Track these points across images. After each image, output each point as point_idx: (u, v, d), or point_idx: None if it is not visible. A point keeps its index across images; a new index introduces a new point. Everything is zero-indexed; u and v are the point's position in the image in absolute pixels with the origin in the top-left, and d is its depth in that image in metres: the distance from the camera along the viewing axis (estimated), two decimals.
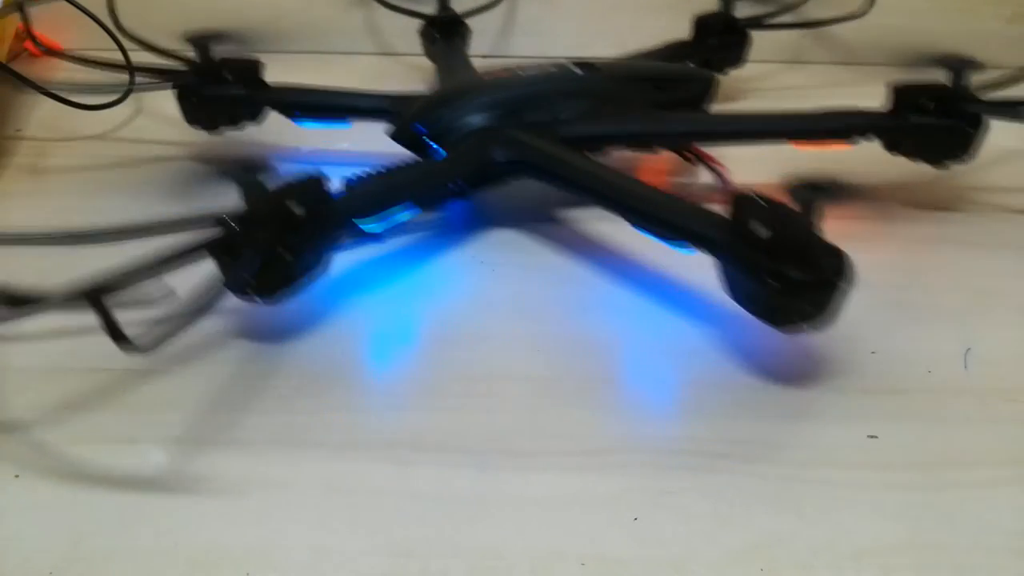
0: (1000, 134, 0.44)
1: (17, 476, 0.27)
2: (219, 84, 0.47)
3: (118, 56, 0.47)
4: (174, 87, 0.47)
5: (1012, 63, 0.49)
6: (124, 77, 0.46)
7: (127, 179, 0.48)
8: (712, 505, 0.27)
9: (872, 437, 0.30)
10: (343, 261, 0.37)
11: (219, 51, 0.48)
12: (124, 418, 0.27)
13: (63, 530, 0.25)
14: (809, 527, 0.26)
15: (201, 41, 0.47)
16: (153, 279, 0.27)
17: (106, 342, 0.33)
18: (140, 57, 0.47)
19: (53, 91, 0.48)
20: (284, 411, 0.30)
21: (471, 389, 0.32)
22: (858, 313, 0.37)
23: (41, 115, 0.53)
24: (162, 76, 0.48)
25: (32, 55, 0.69)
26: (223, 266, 0.30)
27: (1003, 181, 0.49)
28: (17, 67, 0.51)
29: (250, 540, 0.25)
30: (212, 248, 0.30)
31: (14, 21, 0.64)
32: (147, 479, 0.27)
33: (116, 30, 0.48)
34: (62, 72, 0.61)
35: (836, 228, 0.39)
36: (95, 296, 0.22)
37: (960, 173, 0.46)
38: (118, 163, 0.50)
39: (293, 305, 0.35)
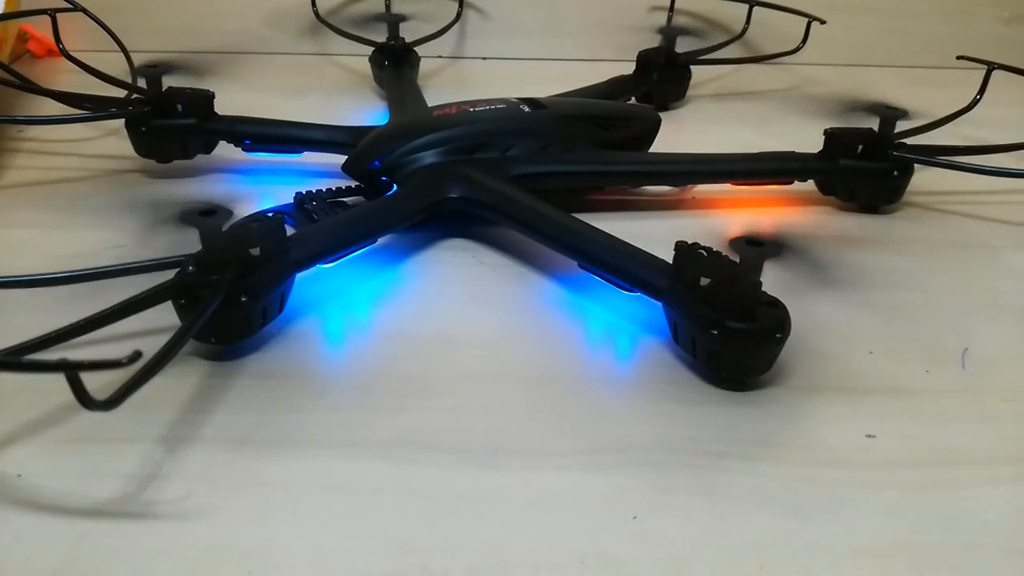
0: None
1: (19, 476, 0.27)
2: (170, 115, 0.47)
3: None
4: (124, 118, 0.47)
5: (1011, 64, 0.50)
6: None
7: (126, 179, 0.48)
8: (712, 505, 0.27)
9: (871, 437, 0.30)
10: (343, 261, 0.37)
11: (171, 82, 0.48)
12: (124, 418, 0.27)
13: (64, 530, 0.25)
14: (808, 527, 0.26)
15: (152, 72, 0.46)
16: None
17: (105, 343, 0.33)
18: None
19: (53, 93, 0.48)
20: (284, 411, 0.30)
21: (471, 389, 0.32)
22: (857, 313, 0.37)
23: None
24: (111, 107, 0.48)
25: (35, 57, 0.69)
26: (181, 310, 0.31)
27: (1004, 183, 0.49)
28: (19, 69, 0.51)
29: (250, 540, 0.25)
30: (171, 293, 0.31)
31: (16, 24, 0.64)
32: (147, 479, 0.27)
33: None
34: (63, 74, 0.62)
35: (833, 224, 0.39)
36: (64, 364, 0.23)
37: (963, 176, 0.46)
38: (118, 164, 0.50)
39: (295, 306, 0.35)
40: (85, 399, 0.24)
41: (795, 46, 0.66)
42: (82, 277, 0.32)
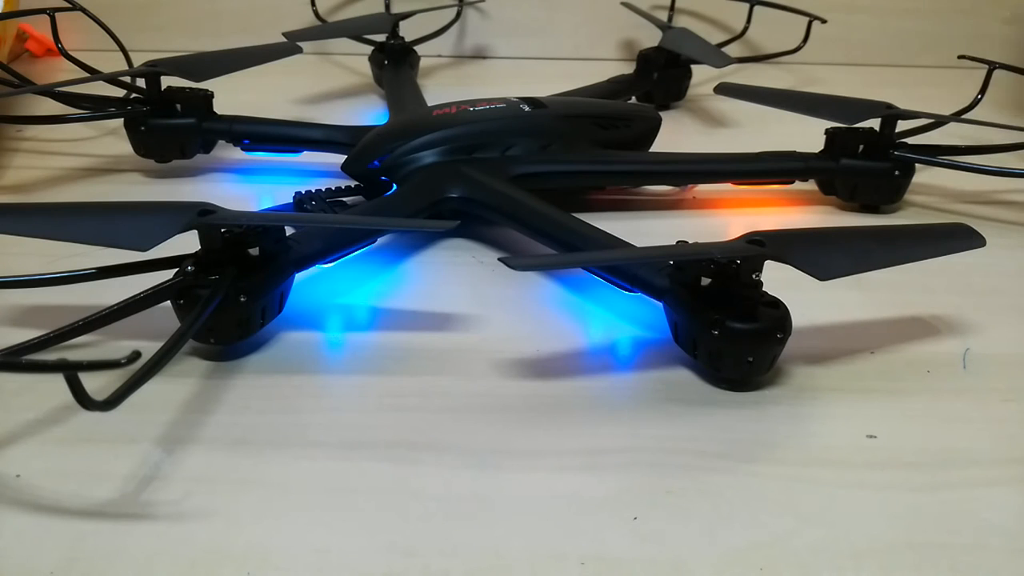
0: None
1: (18, 476, 0.27)
2: (169, 115, 0.47)
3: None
4: (123, 118, 0.47)
5: (1012, 63, 0.50)
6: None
7: (124, 179, 0.48)
8: (712, 505, 0.27)
9: (871, 437, 0.30)
10: (343, 261, 0.37)
11: (170, 82, 0.48)
12: (124, 418, 0.27)
13: (63, 530, 0.25)
14: (809, 527, 0.26)
15: (151, 73, 0.46)
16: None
17: (104, 342, 0.33)
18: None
19: (52, 92, 0.48)
20: (284, 411, 0.30)
21: (471, 389, 0.32)
22: (858, 313, 0.37)
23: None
24: (110, 107, 0.48)
25: (33, 56, 0.69)
26: (180, 310, 0.31)
27: (1004, 183, 0.49)
28: (17, 68, 0.51)
29: (249, 540, 0.25)
30: (170, 293, 0.31)
31: (15, 23, 0.64)
32: (146, 479, 0.27)
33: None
34: (62, 74, 0.62)
35: (835, 224, 0.39)
36: (63, 364, 0.23)
37: (963, 176, 0.46)
38: (116, 164, 0.50)
39: (294, 307, 0.35)
40: (84, 399, 0.24)
41: (796, 45, 0.66)
42: (82, 277, 0.32)
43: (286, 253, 0.34)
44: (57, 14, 0.51)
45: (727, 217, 0.46)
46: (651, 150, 0.48)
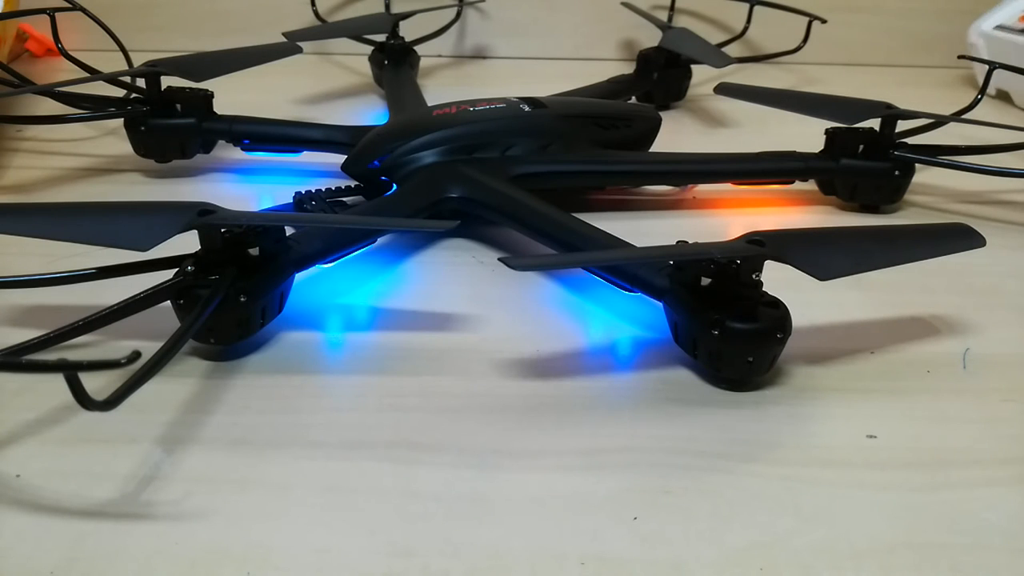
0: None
1: (18, 476, 0.27)
2: (169, 115, 0.47)
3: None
4: (123, 118, 0.47)
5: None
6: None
7: (124, 179, 0.48)
8: (712, 505, 0.27)
9: (871, 437, 0.30)
10: (343, 261, 0.37)
11: (170, 82, 0.48)
12: (124, 418, 0.27)
13: (63, 530, 0.25)
14: (809, 527, 0.26)
15: (151, 73, 0.46)
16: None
17: (104, 342, 0.33)
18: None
19: (52, 92, 0.48)
20: (283, 411, 0.30)
21: (471, 389, 0.32)
22: (858, 313, 0.37)
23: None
24: (110, 107, 0.48)
25: (33, 56, 0.69)
26: (180, 310, 0.31)
27: (1004, 183, 0.49)
28: (17, 68, 0.51)
29: (250, 540, 0.25)
30: (170, 293, 0.31)
31: (15, 23, 0.64)
32: (146, 479, 0.27)
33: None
34: (62, 74, 0.62)
35: (835, 224, 0.39)
36: (63, 364, 0.23)
37: (964, 176, 0.46)
38: (116, 164, 0.50)
39: (294, 307, 0.35)
40: (84, 399, 0.24)
41: (796, 46, 0.66)
42: (82, 277, 0.32)
43: (286, 253, 0.34)
44: (57, 14, 0.51)
45: (727, 217, 0.46)
46: (651, 150, 0.48)
